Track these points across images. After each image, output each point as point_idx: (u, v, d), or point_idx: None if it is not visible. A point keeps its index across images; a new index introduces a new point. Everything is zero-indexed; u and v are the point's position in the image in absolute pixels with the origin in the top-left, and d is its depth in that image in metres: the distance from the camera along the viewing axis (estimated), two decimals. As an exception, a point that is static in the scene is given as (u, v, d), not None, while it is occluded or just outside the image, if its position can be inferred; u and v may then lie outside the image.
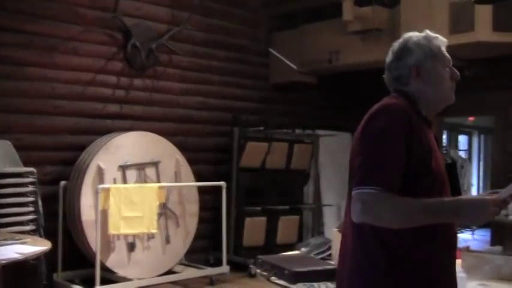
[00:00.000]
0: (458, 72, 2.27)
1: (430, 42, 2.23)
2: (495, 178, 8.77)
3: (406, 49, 2.23)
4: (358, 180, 1.98)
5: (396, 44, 2.28)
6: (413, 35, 2.26)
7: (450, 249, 2.15)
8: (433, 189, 2.06)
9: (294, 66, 8.57)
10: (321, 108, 9.63)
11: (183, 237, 6.94)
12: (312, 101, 9.54)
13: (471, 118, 11.95)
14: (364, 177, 1.97)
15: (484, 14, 6.48)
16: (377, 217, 1.96)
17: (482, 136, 14.26)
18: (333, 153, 9.13)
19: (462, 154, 12.96)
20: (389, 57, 2.28)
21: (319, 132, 8.73)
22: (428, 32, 2.27)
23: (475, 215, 1.96)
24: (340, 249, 2.22)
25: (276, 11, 8.94)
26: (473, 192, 12.57)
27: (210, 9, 8.14)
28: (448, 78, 2.24)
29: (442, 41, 2.26)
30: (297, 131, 8.46)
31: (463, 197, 2.06)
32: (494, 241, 7.65)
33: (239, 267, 7.38)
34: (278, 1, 8.75)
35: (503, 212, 5.74)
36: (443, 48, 2.25)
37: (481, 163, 14.27)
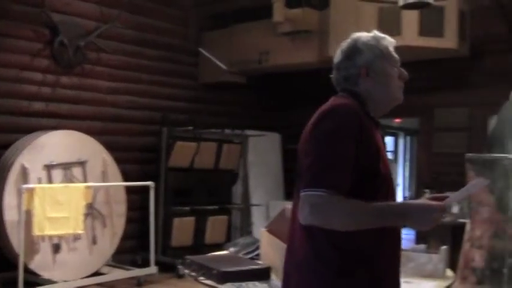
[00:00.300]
0: (406, 72, 2.29)
1: (379, 43, 2.23)
2: (420, 178, 9.00)
3: (355, 49, 2.22)
4: (308, 182, 1.97)
5: (345, 44, 2.26)
6: (362, 35, 2.26)
7: (396, 248, 2.17)
8: (380, 191, 2.07)
9: (224, 66, 8.58)
10: (250, 108, 9.67)
11: (110, 238, 6.84)
12: (241, 101, 9.57)
13: (397, 120, 12.22)
14: (314, 179, 1.95)
15: (410, 19, 6.65)
16: (326, 220, 1.94)
17: (408, 137, 14.61)
18: (262, 153, 9.19)
19: (389, 155, 13.25)
20: (338, 57, 2.26)
21: (248, 132, 8.76)
22: (376, 32, 2.28)
23: (421, 220, 1.97)
24: (288, 246, 2.20)
25: (206, 10, 8.92)
26: (399, 192, 12.91)
27: (140, 7, 8.05)
28: (396, 77, 2.25)
29: (390, 41, 2.27)
30: (226, 131, 8.47)
31: (411, 201, 2.07)
32: (418, 239, 7.87)
33: (167, 268, 7.32)
34: (209, 1, 8.73)
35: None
36: (391, 48, 2.27)
37: (407, 164, 14.63)
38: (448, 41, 6.88)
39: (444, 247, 3.74)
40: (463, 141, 8.27)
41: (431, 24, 6.74)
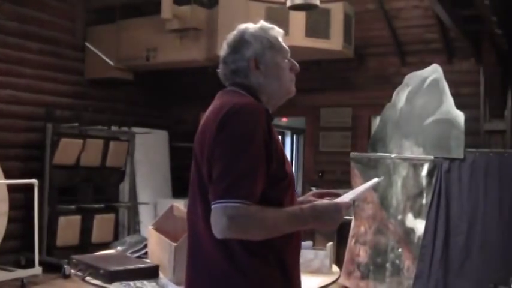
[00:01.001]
0: (297, 64, 2.20)
1: (267, 33, 2.13)
2: (307, 176, 9.22)
3: (242, 41, 2.10)
4: (221, 192, 1.83)
5: (231, 37, 2.14)
6: (249, 26, 2.15)
7: (299, 248, 2.15)
8: (287, 192, 2.01)
9: (111, 62, 8.44)
10: (137, 105, 9.58)
11: (-10, 238, 6.59)
12: (128, 97, 9.45)
13: (284, 119, 12.45)
14: (228, 189, 1.82)
15: (297, 20, 6.80)
16: (244, 233, 1.85)
17: (295, 136, 14.91)
18: (149, 151, 9.14)
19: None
20: (224, 50, 2.14)
21: (136, 129, 8.68)
22: (263, 22, 2.17)
23: (330, 220, 1.96)
24: (192, 262, 2.06)
25: (93, 4, 8.74)
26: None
27: (23, -2, 7.78)
28: (288, 69, 2.16)
29: (278, 31, 2.17)
30: (113, 128, 8.34)
31: (319, 203, 2.00)
32: (305, 236, 8.06)
33: (52, 268, 7.13)
34: (96, -6, 8.57)
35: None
36: (281, 39, 2.17)
37: (294, 162, 14.94)
38: (334, 42, 7.09)
39: (330, 243, 3.85)
40: (348, 141, 8.56)
41: (317, 25, 6.92)
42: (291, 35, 6.76)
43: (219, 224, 1.82)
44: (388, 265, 5.71)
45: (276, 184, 1.95)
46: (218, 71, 2.18)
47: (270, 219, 1.86)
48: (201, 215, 1.97)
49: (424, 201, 5.51)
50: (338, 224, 1.99)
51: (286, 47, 2.19)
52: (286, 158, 2.04)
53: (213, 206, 1.84)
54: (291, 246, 2.04)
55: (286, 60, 2.17)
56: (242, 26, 2.16)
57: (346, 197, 2.09)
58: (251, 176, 1.85)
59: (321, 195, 2.20)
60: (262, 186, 1.88)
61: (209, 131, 1.93)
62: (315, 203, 2.00)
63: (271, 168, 1.91)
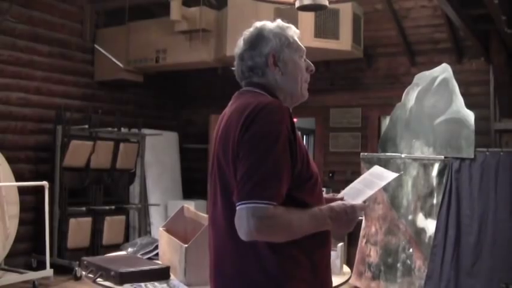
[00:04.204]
0: (312, 65, 2.18)
1: (285, 31, 2.11)
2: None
3: (261, 37, 2.08)
4: (248, 192, 1.79)
5: (247, 33, 2.11)
6: (267, 23, 2.12)
7: (329, 248, 2.12)
8: (314, 192, 1.98)
9: (120, 64, 8.46)
10: (147, 107, 9.59)
11: (2, 241, 6.60)
12: (138, 99, 9.48)
13: (294, 119, 12.45)
14: (255, 190, 1.78)
15: (306, 20, 6.80)
16: (271, 234, 1.82)
17: (305, 137, 14.90)
18: (159, 152, 9.15)
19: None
20: (240, 47, 2.11)
21: (146, 131, 8.69)
22: (280, 21, 2.15)
23: (348, 221, 1.97)
24: (215, 261, 2.01)
25: (103, 6, 8.76)
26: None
27: (33, 1, 7.78)
28: (304, 69, 2.14)
29: (295, 31, 2.16)
30: (123, 130, 8.36)
31: (334, 204, 1.99)
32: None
33: (64, 270, 7.14)
34: (104, -3, 8.60)
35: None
36: (297, 39, 2.15)
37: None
38: (343, 43, 7.08)
39: (341, 244, 3.84)
40: (358, 141, 8.54)
41: (326, 26, 6.92)
42: (300, 36, 6.76)
43: (245, 225, 1.78)
44: (399, 265, 5.71)
45: (301, 185, 1.92)
46: (233, 68, 2.15)
47: (295, 221, 1.84)
48: (225, 219, 1.92)
49: (434, 201, 5.50)
50: (354, 225, 1.99)
51: (303, 47, 2.17)
52: (311, 159, 2.01)
53: (238, 207, 1.80)
54: (321, 247, 2.01)
55: (303, 60, 2.15)
56: (259, 23, 2.13)
57: (356, 188, 2.11)
58: (277, 176, 1.81)
59: (330, 200, 2.16)
60: (287, 186, 1.84)
61: (233, 132, 1.89)
62: (331, 204, 1.98)
63: (296, 168, 1.88)
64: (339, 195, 2.23)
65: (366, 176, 2.30)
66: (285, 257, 1.88)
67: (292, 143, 1.88)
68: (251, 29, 2.12)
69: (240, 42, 2.12)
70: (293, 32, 2.15)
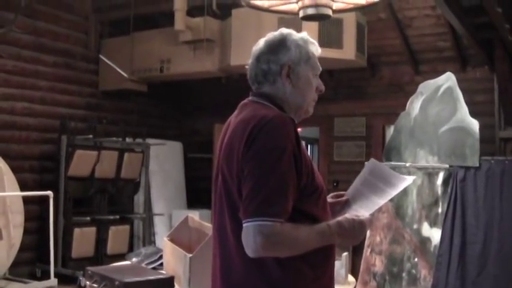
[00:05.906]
0: (323, 85, 2.19)
1: (307, 45, 2.10)
2: (321, 185, 9.20)
3: (283, 44, 2.06)
4: (253, 210, 1.79)
5: (271, 36, 2.10)
6: (293, 32, 2.11)
7: (334, 260, 2.12)
8: (319, 204, 1.98)
9: (125, 74, 8.48)
10: (151, 116, 9.61)
11: (7, 250, 6.60)
12: (142, 109, 9.48)
13: (299, 129, 12.46)
14: (260, 207, 1.78)
15: (310, 30, 6.80)
16: (277, 251, 1.82)
17: (309, 146, 14.90)
18: (164, 162, 9.15)
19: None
20: (260, 47, 2.08)
21: (150, 141, 8.70)
22: (306, 34, 2.13)
23: (356, 235, 1.97)
24: (221, 271, 2.00)
25: (107, 16, 8.79)
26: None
27: (38, 11, 7.82)
28: (314, 88, 2.15)
29: (317, 49, 2.15)
30: (127, 139, 8.37)
31: (343, 219, 1.97)
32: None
33: (68, 280, 7.15)
34: (109, 7, 8.61)
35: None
36: (316, 57, 2.15)
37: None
38: (347, 52, 7.08)
39: (345, 253, 3.83)
40: (362, 150, 8.53)
41: (330, 35, 6.92)
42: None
43: (252, 243, 1.78)
44: (404, 274, 5.68)
45: (307, 197, 1.91)
46: (246, 66, 2.13)
47: (301, 237, 1.84)
48: (232, 232, 1.92)
49: (439, 210, 5.47)
50: (361, 239, 1.99)
51: (320, 66, 2.17)
52: (316, 170, 2.00)
53: (244, 225, 1.80)
54: (325, 259, 2.02)
55: (316, 79, 2.16)
56: (285, 30, 2.12)
57: (362, 193, 2.10)
58: (282, 192, 1.80)
59: (337, 197, 2.21)
60: (293, 201, 1.84)
61: (236, 147, 1.89)
62: (340, 219, 1.97)
63: (302, 181, 1.88)
64: (343, 199, 2.21)
65: (366, 176, 2.23)
66: (289, 269, 1.88)
67: (297, 157, 1.87)
68: (276, 33, 2.11)
69: (261, 42, 2.10)
70: (315, 49, 2.14)
